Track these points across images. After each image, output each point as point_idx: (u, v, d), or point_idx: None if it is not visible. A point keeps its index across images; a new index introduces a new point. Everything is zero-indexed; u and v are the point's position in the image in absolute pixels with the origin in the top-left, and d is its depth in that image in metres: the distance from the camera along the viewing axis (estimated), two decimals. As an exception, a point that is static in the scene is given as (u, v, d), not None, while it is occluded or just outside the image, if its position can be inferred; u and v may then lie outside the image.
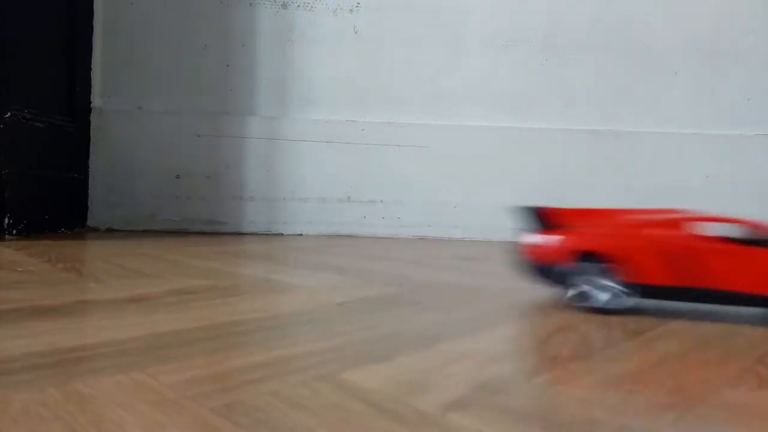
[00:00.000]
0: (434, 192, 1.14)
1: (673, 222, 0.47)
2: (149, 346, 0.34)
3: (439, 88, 1.16)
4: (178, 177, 1.12)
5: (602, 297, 0.46)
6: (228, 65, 1.14)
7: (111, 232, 1.06)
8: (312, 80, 1.15)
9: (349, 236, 1.13)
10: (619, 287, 0.45)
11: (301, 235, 1.13)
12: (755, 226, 0.46)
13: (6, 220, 0.86)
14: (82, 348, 0.33)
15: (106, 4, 1.12)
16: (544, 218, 0.50)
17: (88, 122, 1.10)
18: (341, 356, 0.33)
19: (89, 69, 1.10)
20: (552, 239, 0.47)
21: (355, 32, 1.15)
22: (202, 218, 1.12)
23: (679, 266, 0.44)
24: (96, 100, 1.12)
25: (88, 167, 1.10)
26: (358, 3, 1.14)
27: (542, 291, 0.57)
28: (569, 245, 0.46)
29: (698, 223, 0.46)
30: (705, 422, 0.25)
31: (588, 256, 0.46)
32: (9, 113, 0.87)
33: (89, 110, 1.10)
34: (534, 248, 0.48)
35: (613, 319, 0.45)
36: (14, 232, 0.87)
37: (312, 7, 1.14)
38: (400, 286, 0.57)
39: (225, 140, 1.13)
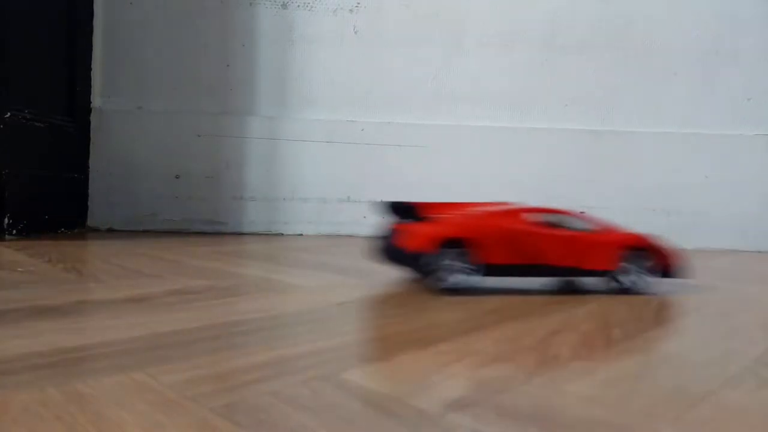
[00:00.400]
0: (434, 192, 1.14)
1: (511, 212, 0.56)
2: (149, 346, 0.34)
3: (439, 87, 1.16)
4: (178, 177, 1.12)
5: (455, 278, 0.52)
6: (228, 65, 1.14)
7: (111, 232, 1.06)
8: (312, 80, 1.15)
9: (349, 236, 1.13)
10: (469, 267, 0.52)
11: (301, 235, 1.13)
12: (574, 215, 0.57)
13: (6, 220, 0.86)
14: (82, 348, 0.33)
15: (106, 4, 1.11)
16: (409, 211, 0.56)
17: (88, 122, 1.10)
18: (341, 356, 0.33)
19: (89, 69, 1.10)
20: (420, 228, 0.53)
21: (355, 32, 1.15)
22: (203, 218, 1.12)
23: (517, 247, 0.53)
24: (96, 100, 1.12)
25: (88, 167, 1.10)
26: (358, 3, 1.14)
27: (542, 292, 0.57)
28: (435, 233, 0.51)
29: (531, 212, 0.56)
30: (705, 422, 0.25)
31: (449, 243, 0.51)
32: (9, 113, 0.87)
33: (89, 110, 1.10)
34: (402, 237, 0.53)
35: (613, 319, 0.45)
36: (14, 232, 0.87)
37: (312, 7, 1.14)
38: (400, 286, 0.57)
39: (225, 140, 1.13)
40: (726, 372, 0.33)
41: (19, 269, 0.59)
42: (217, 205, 1.13)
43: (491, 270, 0.53)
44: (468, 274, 0.52)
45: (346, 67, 1.15)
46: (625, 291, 0.56)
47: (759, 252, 1.10)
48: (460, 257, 0.52)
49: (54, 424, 0.23)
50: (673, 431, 0.24)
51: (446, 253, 0.51)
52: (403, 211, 0.56)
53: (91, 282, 0.54)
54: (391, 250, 0.56)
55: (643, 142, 1.14)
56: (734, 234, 1.11)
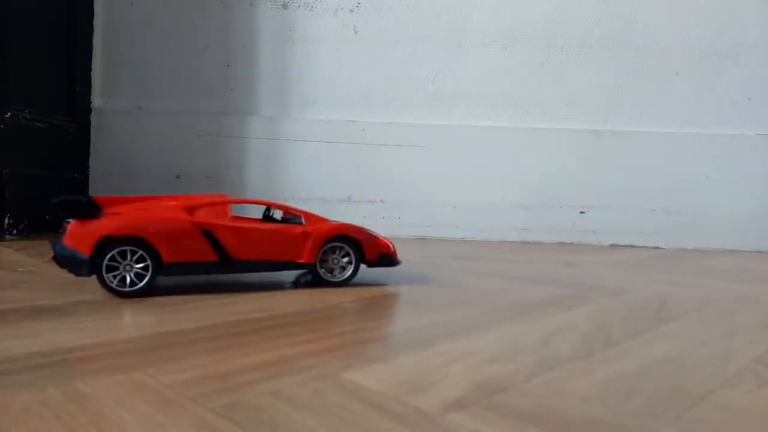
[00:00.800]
0: (434, 192, 1.14)
1: (204, 204, 0.52)
2: (149, 346, 0.34)
3: (440, 88, 1.16)
4: (178, 177, 1.12)
5: (125, 279, 0.47)
6: (228, 65, 1.14)
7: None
8: (312, 80, 1.15)
9: (349, 236, 1.13)
10: (142, 268, 0.47)
11: (301, 235, 1.13)
12: (279, 207, 0.57)
13: (6, 220, 0.86)
14: (82, 348, 0.33)
15: (107, 4, 1.11)
16: (88, 207, 0.49)
17: (89, 122, 1.10)
18: (341, 356, 0.33)
19: (89, 69, 1.10)
20: (82, 226, 0.47)
21: (356, 32, 1.15)
22: (203, 218, 1.12)
23: (198, 244, 0.49)
24: (96, 100, 1.12)
25: (89, 167, 1.10)
26: (359, 3, 1.14)
27: (542, 292, 0.57)
28: (96, 232, 0.46)
29: (233, 204, 0.53)
30: (705, 422, 0.25)
31: (113, 241, 0.46)
32: (9, 113, 0.87)
33: (89, 110, 1.10)
34: (67, 236, 0.47)
35: (613, 320, 0.45)
36: (14, 232, 0.87)
37: (312, 7, 1.14)
38: (400, 286, 0.57)
39: (225, 140, 1.13)
40: (726, 372, 0.33)
41: (20, 269, 0.59)
42: (217, 205, 1.12)
43: (169, 269, 0.48)
44: (140, 275, 0.47)
45: (346, 67, 1.15)
46: (327, 282, 0.55)
47: (759, 252, 1.10)
48: (130, 257, 0.47)
49: (54, 423, 0.23)
50: (673, 431, 0.24)
51: (111, 253, 0.46)
52: (80, 207, 0.48)
53: (91, 282, 0.54)
54: (58, 252, 0.48)
55: (643, 141, 1.14)
56: (734, 234, 1.11)
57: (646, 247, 1.11)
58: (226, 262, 0.50)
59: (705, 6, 1.13)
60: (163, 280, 0.56)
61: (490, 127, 1.15)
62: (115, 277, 0.47)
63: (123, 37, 1.12)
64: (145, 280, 0.47)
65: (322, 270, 0.55)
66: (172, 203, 0.52)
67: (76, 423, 0.23)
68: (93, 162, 1.10)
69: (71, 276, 0.56)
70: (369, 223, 1.14)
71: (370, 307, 0.47)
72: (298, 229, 0.54)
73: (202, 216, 0.50)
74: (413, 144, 1.14)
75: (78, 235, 0.46)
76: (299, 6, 1.14)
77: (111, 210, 0.50)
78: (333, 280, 0.55)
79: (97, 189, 1.10)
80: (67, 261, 0.47)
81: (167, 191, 1.11)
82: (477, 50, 1.15)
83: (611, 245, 1.13)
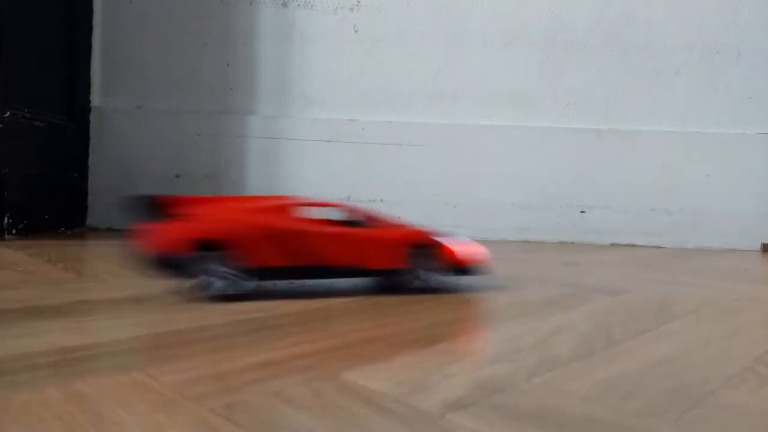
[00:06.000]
0: (435, 191, 1.14)
1: (280, 207, 0.50)
2: (149, 346, 0.34)
3: (440, 86, 1.15)
4: (177, 176, 1.12)
5: (220, 284, 0.46)
6: (228, 64, 1.14)
7: (111, 232, 1.06)
8: (312, 79, 1.15)
9: (350, 235, 1.13)
10: (237, 273, 0.46)
11: (302, 234, 1.13)
12: (351, 210, 0.54)
13: (6, 220, 0.86)
14: (82, 348, 0.33)
15: (106, 3, 1.11)
16: (159, 207, 0.47)
17: (88, 121, 1.10)
18: (342, 356, 0.33)
19: (89, 68, 1.10)
20: (169, 228, 0.45)
21: (356, 31, 1.15)
22: (203, 217, 1.12)
23: (288, 247, 0.47)
24: (95, 99, 1.11)
25: (88, 167, 1.10)
26: (359, 1, 1.14)
27: (543, 291, 0.57)
28: (186, 234, 0.45)
29: (303, 207, 0.50)
30: (705, 423, 0.25)
31: (205, 245, 0.45)
32: (8, 112, 0.87)
33: (89, 109, 1.10)
34: (151, 238, 0.45)
35: (614, 320, 0.45)
36: (14, 231, 0.87)
37: (312, 5, 1.14)
38: (400, 286, 0.57)
39: (225, 139, 1.13)
40: (727, 372, 0.32)
41: (19, 269, 0.59)
42: (218, 204, 1.12)
43: (265, 274, 0.47)
44: (236, 280, 0.46)
45: (346, 65, 1.15)
46: (416, 289, 0.52)
47: (760, 251, 1.10)
48: (221, 261, 0.46)
49: (54, 424, 0.23)
50: (673, 431, 0.24)
51: (203, 257, 0.45)
52: (152, 207, 0.47)
53: (91, 281, 0.54)
54: (141, 255, 0.46)
55: (644, 141, 1.14)
56: (735, 233, 1.11)
57: (647, 247, 1.11)
58: (319, 267, 0.49)
59: (706, 5, 1.13)
60: (162, 281, 0.55)
61: (490, 126, 1.15)
62: (207, 282, 0.46)
63: (122, 36, 1.12)
64: (238, 286, 0.47)
65: (409, 276, 0.52)
66: (248, 205, 0.50)
67: (76, 423, 0.23)
68: (92, 161, 1.10)
69: (70, 276, 0.56)
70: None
71: (370, 307, 0.47)
72: (382, 233, 0.51)
73: (289, 218, 0.49)
74: (413, 143, 1.14)
75: (171, 237, 0.45)
76: (299, 5, 1.14)
77: (180, 211, 0.48)
78: (420, 286, 0.53)
79: (96, 188, 1.10)
80: (157, 265, 0.45)
81: (167, 191, 1.11)
82: (478, 49, 1.15)
83: (612, 245, 1.12)
